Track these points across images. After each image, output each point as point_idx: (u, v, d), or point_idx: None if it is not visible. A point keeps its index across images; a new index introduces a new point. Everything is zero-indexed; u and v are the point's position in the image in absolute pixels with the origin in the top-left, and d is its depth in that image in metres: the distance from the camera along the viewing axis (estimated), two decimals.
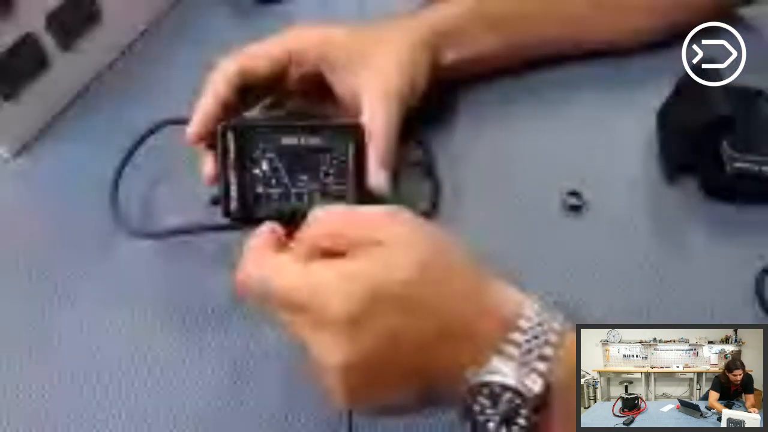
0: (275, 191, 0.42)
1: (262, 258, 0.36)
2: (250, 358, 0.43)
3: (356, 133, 0.43)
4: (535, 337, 0.33)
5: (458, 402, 0.34)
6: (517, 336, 0.33)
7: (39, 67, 0.53)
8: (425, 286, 0.33)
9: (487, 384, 0.32)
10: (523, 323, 0.33)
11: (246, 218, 0.43)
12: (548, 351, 0.33)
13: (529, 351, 0.32)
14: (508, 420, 0.33)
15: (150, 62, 0.60)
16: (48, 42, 0.52)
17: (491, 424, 0.33)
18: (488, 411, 0.33)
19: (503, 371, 0.32)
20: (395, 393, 0.36)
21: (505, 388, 0.32)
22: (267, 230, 0.38)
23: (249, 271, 0.36)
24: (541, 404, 0.32)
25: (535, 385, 0.32)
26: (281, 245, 0.37)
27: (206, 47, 0.48)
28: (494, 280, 0.36)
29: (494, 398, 0.32)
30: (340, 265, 0.34)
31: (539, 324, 0.33)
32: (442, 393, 0.36)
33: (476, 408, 0.33)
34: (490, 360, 0.32)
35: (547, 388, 0.32)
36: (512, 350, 0.33)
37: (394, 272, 0.33)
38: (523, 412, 0.32)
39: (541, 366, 0.32)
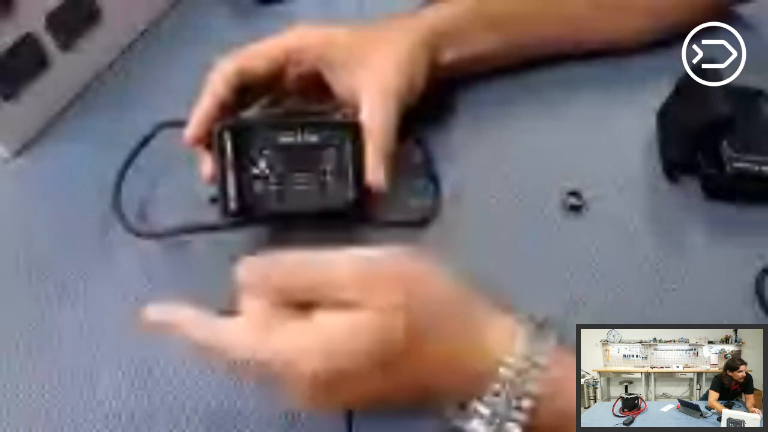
0: (273, 189, 0.42)
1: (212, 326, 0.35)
2: None
3: (354, 131, 0.43)
4: (513, 387, 0.33)
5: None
6: (497, 387, 0.33)
7: (39, 67, 0.53)
8: (407, 359, 0.32)
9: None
10: (504, 372, 0.33)
11: (245, 217, 0.43)
12: (527, 403, 0.32)
13: (508, 402, 0.32)
14: None
15: (150, 62, 0.60)
16: (48, 42, 0.52)
17: None
18: None
19: (480, 420, 0.32)
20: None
21: None
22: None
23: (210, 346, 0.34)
24: None
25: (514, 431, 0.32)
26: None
27: (206, 47, 0.48)
28: (484, 314, 0.35)
29: None
30: (312, 331, 0.33)
31: (520, 372, 0.33)
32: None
33: None
34: (470, 407, 0.33)
35: None
36: (492, 400, 0.33)
37: (379, 343, 0.32)
38: None
39: (521, 416, 0.32)
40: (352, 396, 0.33)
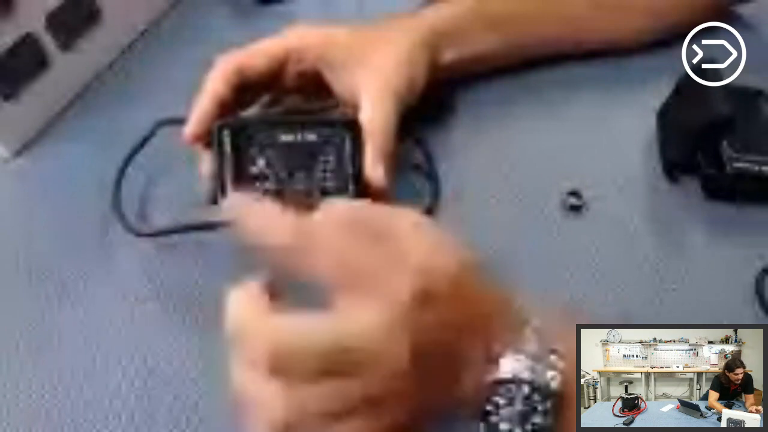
0: (273, 188, 0.42)
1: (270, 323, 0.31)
2: None
3: (354, 129, 0.43)
4: (548, 334, 0.33)
5: (470, 403, 0.33)
6: (529, 333, 0.33)
7: (39, 67, 0.53)
8: (452, 305, 0.32)
9: (503, 381, 0.32)
10: (536, 321, 0.33)
11: None
12: (562, 346, 0.32)
13: (544, 347, 0.32)
14: (523, 419, 0.32)
15: (150, 62, 0.60)
16: (48, 42, 0.52)
17: (504, 425, 0.32)
18: (502, 411, 0.32)
19: (520, 365, 0.32)
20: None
21: (523, 382, 0.32)
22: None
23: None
24: (559, 400, 0.32)
25: (553, 381, 0.32)
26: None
27: (206, 47, 0.48)
28: (501, 287, 0.35)
29: (510, 396, 0.32)
30: (379, 306, 0.30)
31: (547, 325, 0.33)
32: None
33: (489, 407, 0.32)
34: (506, 356, 0.32)
35: (565, 384, 0.32)
36: (528, 346, 0.32)
37: (427, 297, 0.31)
38: (540, 408, 0.32)
39: (558, 362, 0.32)
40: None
